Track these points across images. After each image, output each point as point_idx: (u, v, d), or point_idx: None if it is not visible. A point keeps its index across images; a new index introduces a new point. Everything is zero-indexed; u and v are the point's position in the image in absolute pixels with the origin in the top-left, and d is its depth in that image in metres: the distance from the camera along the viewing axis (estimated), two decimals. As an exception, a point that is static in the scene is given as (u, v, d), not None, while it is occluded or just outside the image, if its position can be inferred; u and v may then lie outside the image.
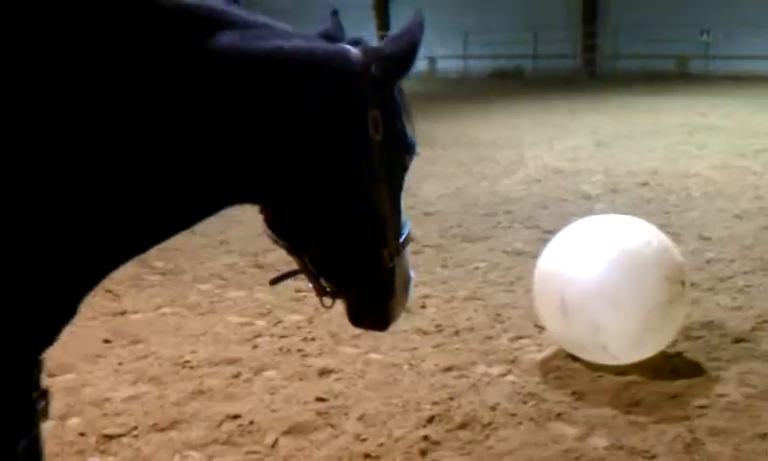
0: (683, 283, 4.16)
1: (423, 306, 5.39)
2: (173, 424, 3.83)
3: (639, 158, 10.91)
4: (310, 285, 2.04)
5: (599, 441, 3.59)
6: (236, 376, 4.40)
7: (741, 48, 23.97)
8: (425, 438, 3.63)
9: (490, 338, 4.80)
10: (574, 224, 4.46)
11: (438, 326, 5.06)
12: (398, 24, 1.87)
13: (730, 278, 5.82)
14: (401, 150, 1.95)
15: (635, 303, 4.00)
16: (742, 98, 18.42)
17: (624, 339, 4.05)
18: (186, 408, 4.01)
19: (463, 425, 3.76)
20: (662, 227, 7.12)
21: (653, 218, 7.50)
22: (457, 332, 4.95)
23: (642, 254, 4.08)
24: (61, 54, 1.45)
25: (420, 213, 8.01)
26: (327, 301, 2.07)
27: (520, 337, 4.79)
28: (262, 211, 1.92)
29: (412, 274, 2.16)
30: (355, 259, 1.98)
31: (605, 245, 4.12)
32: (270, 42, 1.68)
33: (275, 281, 2.25)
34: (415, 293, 5.54)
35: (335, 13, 1.91)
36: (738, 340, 4.68)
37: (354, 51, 1.80)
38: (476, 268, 6.18)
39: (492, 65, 28.08)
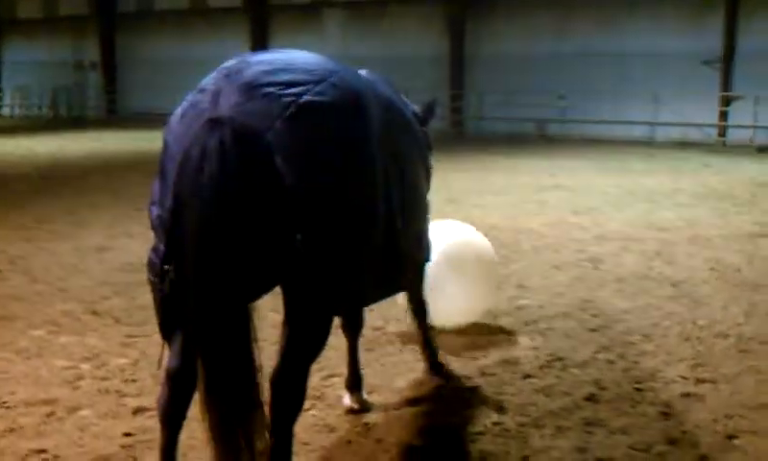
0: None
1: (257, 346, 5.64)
2: (-23, 461, 3.95)
3: (483, 214, 11.56)
4: None
5: (378, 465, 3.96)
6: (50, 415, 4.54)
7: (593, 113, 25.62)
8: (220, 466, 3.90)
9: (302, 377, 5.11)
10: None
11: (259, 366, 5.33)
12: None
13: (534, 322, 6.37)
14: (431, 150, 4.74)
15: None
16: (590, 160, 19.67)
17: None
18: (-6, 446, 4.13)
19: (258, 455, 4.04)
20: (488, 277, 7.69)
21: (481, 269, 8.08)
22: (274, 373, 5.25)
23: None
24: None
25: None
26: None
27: (332, 376, 5.13)
28: None
29: None
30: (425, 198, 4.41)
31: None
32: (413, 107, 4.66)
33: None
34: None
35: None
36: (527, 376, 5.18)
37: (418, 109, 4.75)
38: (306, 314, 6.50)
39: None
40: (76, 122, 34.68)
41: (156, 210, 3.15)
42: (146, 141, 23.41)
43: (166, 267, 3.00)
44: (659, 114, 24.93)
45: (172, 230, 2.96)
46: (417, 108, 4.74)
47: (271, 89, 2.97)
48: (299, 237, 2.94)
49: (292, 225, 2.95)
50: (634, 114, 25.10)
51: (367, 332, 5.82)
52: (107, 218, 11.19)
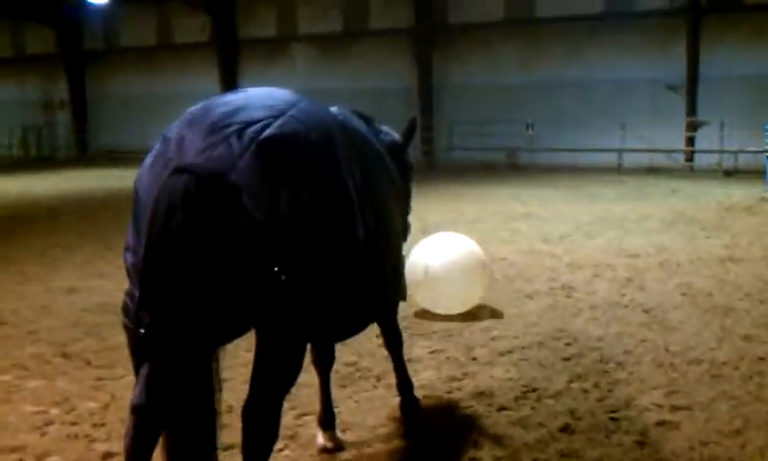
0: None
1: (219, 389, 5.57)
2: (-59, 513, 3.85)
3: (456, 245, 11.56)
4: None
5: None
6: (18, 463, 4.45)
7: (562, 141, 25.88)
8: (192, 511, 3.82)
9: (276, 416, 5.05)
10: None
11: (230, 406, 5.26)
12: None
13: (509, 352, 6.36)
14: (412, 170, 5.03)
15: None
16: (560, 188, 19.79)
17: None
18: (-41, 497, 4.03)
19: (229, 498, 3.98)
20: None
21: (455, 300, 8.06)
22: (247, 412, 5.18)
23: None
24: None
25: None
26: None
27: (305, 414, 5.07)
28: None
29: None
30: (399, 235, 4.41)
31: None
32: (392, 135, 4.81)
33: None
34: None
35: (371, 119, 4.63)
36: (501, 408, 5.16)
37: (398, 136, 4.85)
38: (279, 351, 6.45)
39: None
40: (46, 161, 34.41)
41: (130, 257, 3.18)
42: (117, 180, 23.25)
43: (141, 313, 2.99)
44: (626, 141, 25.21)
45: (145, 277, 2.98)
46: (396, 134, 4.83)
47: (232, 130, 3.03)
48: (276, 270, 2.97)
49: (266, 259, 2.98)
50: (602, 141, 25.35)
51: (340, 368, 5.80)
52: (77, 259, 11.06)
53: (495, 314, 7.56)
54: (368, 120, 4.62)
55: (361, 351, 6.28)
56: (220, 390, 3.29)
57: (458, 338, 6.75)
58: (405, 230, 4.97)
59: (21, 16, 35.90)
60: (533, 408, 5.15)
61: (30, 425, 5.02)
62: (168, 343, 2.95)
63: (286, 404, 5.20)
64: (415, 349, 6.38)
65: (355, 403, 5.33)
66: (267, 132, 3.05)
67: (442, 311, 7.39)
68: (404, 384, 5.06)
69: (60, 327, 7.40)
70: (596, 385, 5.55)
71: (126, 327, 3.18)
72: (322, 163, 3.21)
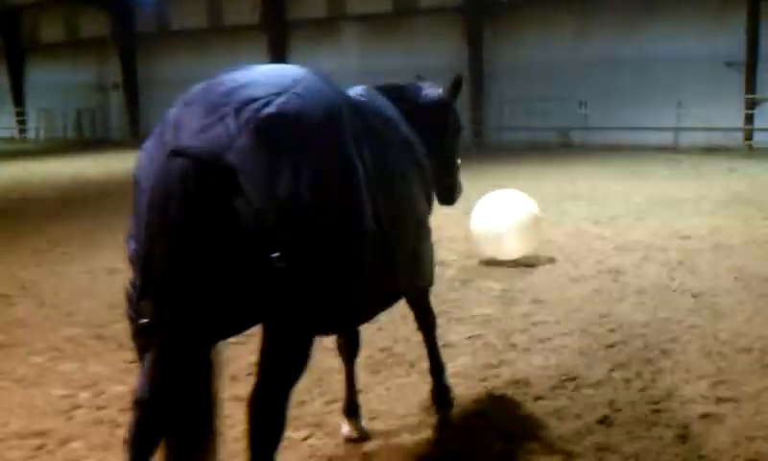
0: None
1: (250, 374, 5.48)
2: (-41, 499, 3.82)
3: (501, 226, 11.29)
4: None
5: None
6: (40, 447, 4.41)
7: (616, 119, 25.29)
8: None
9: (303, 403, 4.93)
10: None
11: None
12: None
13: (549, 339, 6.13)
14: (460, 128, 4.93)
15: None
16: (613, 167, 19.32)
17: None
18: (-21, 482, 3.99)
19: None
20: (503, 290, 7.51)
21: (497, 282, 7.89)
22: (276, 398, 5.06)
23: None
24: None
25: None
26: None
27: (334, 401, 4.93)
28: None
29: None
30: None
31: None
32: (435, 92, 4.69)
33: None
34: (244, 362, 5.63)
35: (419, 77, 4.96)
36: (538, 398, 4.96)
37: (443, 91, 4.74)
38: (313, 335, 6.32)
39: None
40: (99, 143, 34.95)
41: (132, 244, 3.03)
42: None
43: (141, 302, 2.87)
44: (682, 119, 24.52)
45: (146, 265, 2.86)
46: (440, 89, 4.70)
47: (229, 108, 2.86)
48: (275, 256, 2.79)
49: (265, 244, 2.80)
50: (657, 120, 24.69)
51: (374, 353, 5.68)
52: (121, 239, 11.02)
53: (537, 299, 7.32)
54: (402, 89, 4.49)
55: (396, 336, 6.12)
56: (220, 383, 3.15)
57: (496, 323, 6.54)
58: (454, 191, 4.92)
59: (75, 0, 36.44)
60: (570, 398, 4.94)
61: (56, 410, 4.98)
62: (170, 333, 2.83)
63: (315, 390, 5.11)
64: (451, 334, 6.20)
65: (386, 390, 5.17)
66: (266, 109, 2.87)
67: (504, 257, 8.79)
68: (436, 369, 4.85)
69: (97, 309, 7.40)
70: (638, 374, 5.30)
71: (129, 316, 3.06)
72: (324, 143, 3.01)
